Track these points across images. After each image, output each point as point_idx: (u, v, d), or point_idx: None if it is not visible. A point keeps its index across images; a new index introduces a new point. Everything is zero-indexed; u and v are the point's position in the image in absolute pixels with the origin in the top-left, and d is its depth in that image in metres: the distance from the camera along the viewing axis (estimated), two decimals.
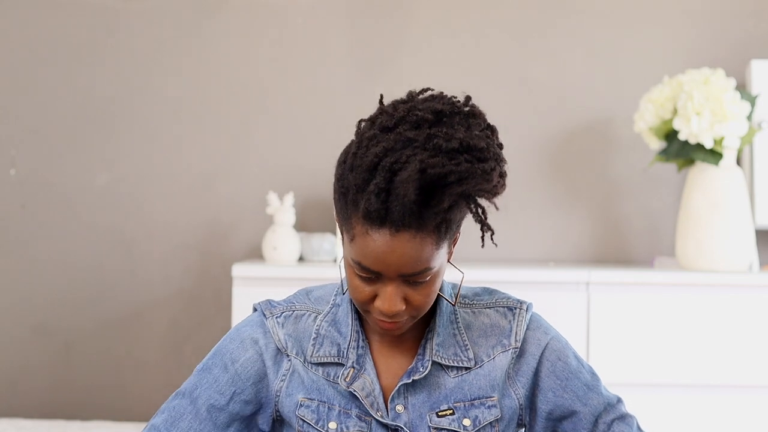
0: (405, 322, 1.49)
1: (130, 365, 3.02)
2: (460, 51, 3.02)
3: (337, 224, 1.50)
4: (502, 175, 1.45)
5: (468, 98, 1.50)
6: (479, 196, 1.43)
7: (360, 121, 1.48)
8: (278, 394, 1.56)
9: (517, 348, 1.56)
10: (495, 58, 3.01)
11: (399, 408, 1.53)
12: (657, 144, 2.79)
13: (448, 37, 3.02)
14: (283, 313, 1.58)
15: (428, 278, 1.45)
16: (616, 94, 3.00)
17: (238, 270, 2.65)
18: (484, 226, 1.45)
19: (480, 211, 1.44)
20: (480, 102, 1.58)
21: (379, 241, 1.41)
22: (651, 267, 2.87)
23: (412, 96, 1.49)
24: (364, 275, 1.45)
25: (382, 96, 1.50)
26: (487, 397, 1.55)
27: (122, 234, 3.02)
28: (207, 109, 3.03)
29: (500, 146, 1.48)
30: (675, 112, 2.72)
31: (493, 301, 1.60)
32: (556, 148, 3.01)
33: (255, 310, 1.61)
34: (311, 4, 3.03)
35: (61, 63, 3.03)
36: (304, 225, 2.97)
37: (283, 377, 1.56)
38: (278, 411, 1.57)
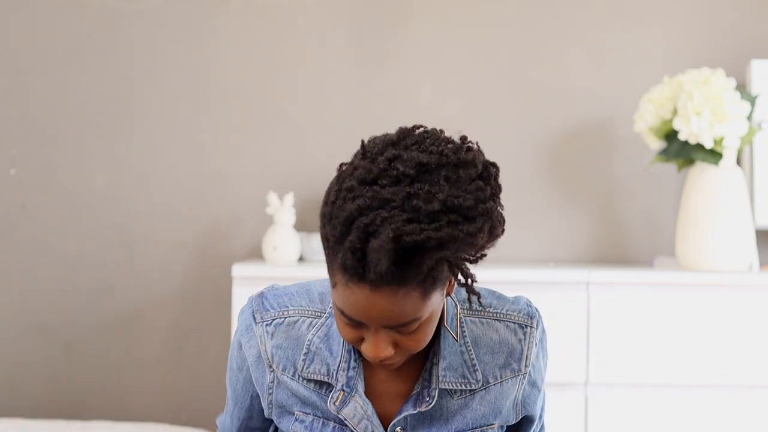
0: (399, 359, 1.40)
1: (130, 365, 3.02)
2: (460, 51, 3.01)
3: None
4: (493, 232, 1.32)
5: (463, 140, 1.36)
6: (462, 260, 1.32)
7: (341, 165, 1.37)
8: (270, 406, 1.53)
9: (526, 375, 1.50)
10: (495, 58, 3.01)
11: (399, 431, 1.49)
12: (657, 144, 2.79)
13: (448, 37, 3.02)
14: (274, 320, 1.51)
15: (417, 326, 1.35)
16: (616, 94, 3.00)
17: (238, 270, 2.64)
18: (470, 292, 1.36)
19: (463, 273, 1.33)
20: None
21: (359, 294, 1.30)
22: (651, 267, 2.87)
23: (402, 135, 1.36)
24: (347, 322, 1.36)
25: (363, 142, 1.37)
26: (487, 425, 1.50)
27: (122, 234, 3.02)
28: (207, 109, 3.03)
29: (496, 191, 1.34)
30: (675, 112, 2.72)
31: (503, 312, 1.51)
32: (556, 148, 3.01)
33: (248, 305, 1.56)
34: (311, 4, 3.03)
35: (61, 63, 3.03)
36: (304, 225, 2.97)
37: (270, 389, 1.52)
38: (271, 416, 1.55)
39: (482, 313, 1.50)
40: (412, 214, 1.27)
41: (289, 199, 2.84)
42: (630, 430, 2.60)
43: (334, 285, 1.34)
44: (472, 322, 1.49)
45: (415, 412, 1.46)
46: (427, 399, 1.46)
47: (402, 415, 1.47)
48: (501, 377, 1.49)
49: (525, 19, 3.02)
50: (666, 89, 2.74)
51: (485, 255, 1.33)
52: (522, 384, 1.51)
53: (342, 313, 1.35)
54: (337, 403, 1.46)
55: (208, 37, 3.03)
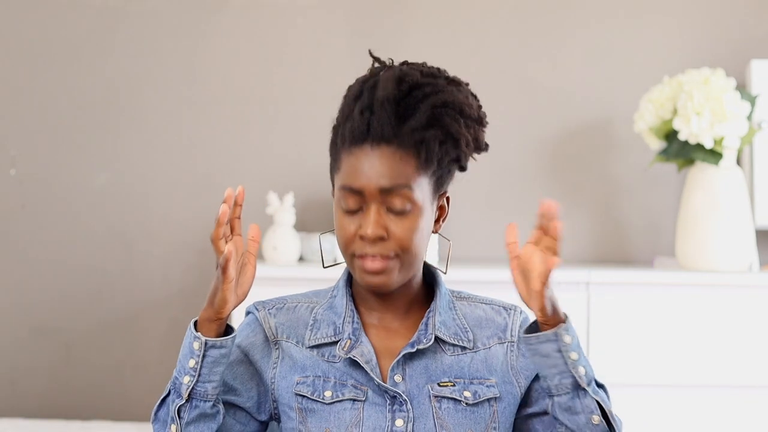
0: (391, 268, 1.52)
1: (130, 365, 3.02)
2: (460, 51, 3.01)
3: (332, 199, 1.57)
4: (480, 108, 1.60)
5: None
6: (451, 131, 1.52)
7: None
8: (273, 380, 1.59)
9: (513, 342, 1.61)
10: (495, 58, 3.01)
11: (397, 378, 1.56)
12: (657, 144, 2.79)
13: (448, 37, 3.02)
14: (275, 306, 1.64)
15: (408, 208, 1.51)
16: (616, 94, 3.00)
17: None
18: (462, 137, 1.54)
19: (456, 116, 1.53)
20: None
21: (361, 156, 1.51)
22: (651, 267, 2.87)
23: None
24: (349, 202, 1.52)
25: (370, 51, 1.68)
26: (485, 379, 1.58)
27: (122, 234, 3.02)
28: (207, 108, 3.03)
29: (480, 108, 1.63)
30: (675, 112, 2.72)
31: (489, 300, 1.66)
32: (556, 148, 3.01)
33: (248, 313, 1.66)
34: (311, 4, 3.03)
35: (61, 63, 3.03)
36: (304, 225, 2.97)
37: (275, 364, 1.59)
38: (275, 399, 1.60)
39: (471, 300, 1.65)
40: (412, 69, 1.61)
41: (289, 199, 2.84)
42: (630, 430, 2.60)
43: (338, 170, 1.54)
44: (461, 304, 1.64)
45: (413, 350, 1.55)
46: (424, 341, 1.57)
47: (401, 355, 1.56)
48: (489, 344, 1.61)
49: (524, 19, 3.02)
50: (666, 89, 2.74)
51: (479, 117, 1.59)
52: (511, 351, 1.61)
53: (343, 190, 1.52)
54: (345, 348, 1.56)
55: (208, 36, 3.03)
